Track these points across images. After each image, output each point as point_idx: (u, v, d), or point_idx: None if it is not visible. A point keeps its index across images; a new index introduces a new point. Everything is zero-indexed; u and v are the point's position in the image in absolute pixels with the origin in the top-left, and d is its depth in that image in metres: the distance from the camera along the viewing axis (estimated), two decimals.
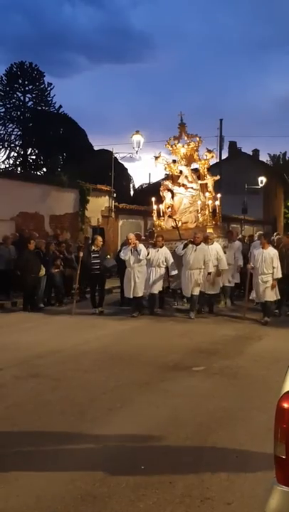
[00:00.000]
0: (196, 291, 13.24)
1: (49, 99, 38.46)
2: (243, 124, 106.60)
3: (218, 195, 16.64)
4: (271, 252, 12.42)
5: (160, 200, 16.56)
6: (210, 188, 16.43)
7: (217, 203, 16.33)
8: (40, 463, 4.70)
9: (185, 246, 13.26)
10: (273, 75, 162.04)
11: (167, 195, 16.50)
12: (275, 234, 20.43)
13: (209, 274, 13.48)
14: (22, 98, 38.06)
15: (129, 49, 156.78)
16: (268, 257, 12.31)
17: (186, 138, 16.63)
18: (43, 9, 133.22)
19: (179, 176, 16.67)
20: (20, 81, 37.78)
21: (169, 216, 16.18)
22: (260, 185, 41.97)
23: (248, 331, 11.32)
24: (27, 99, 38.20)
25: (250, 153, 51.95)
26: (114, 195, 26.04)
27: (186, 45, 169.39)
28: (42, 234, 18.95)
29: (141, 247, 13.32)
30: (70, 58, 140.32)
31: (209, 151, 16.62)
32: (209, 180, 16.55)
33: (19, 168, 37.20)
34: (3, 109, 37.45)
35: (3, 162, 37.47)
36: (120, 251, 14.26)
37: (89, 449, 5.01)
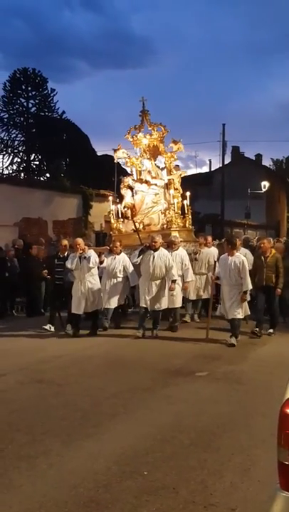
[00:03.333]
0: (159, 306, 11.27)
1: (52, 104, 38.64)
2: (245, 128, 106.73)
3: (188, 193, 14.46)
4: (238, 259, 10.40)
5: (121, 199, 14.79)
6: (176, 184, 14.34)
7: (186, 202, 14.30)
8: (43, 469, 4.69)
9: (141, 252, 11.23)
10: (276, 79, 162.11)
11: (127, 193, 14.39)
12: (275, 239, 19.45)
13: (174, 282, 11.26)
14: (25, 104, 38.26)
15: (130, 54, 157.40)
16: (233, 265, 10.33)
17: (149, 127, 14.55)
18: (43, 15, 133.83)
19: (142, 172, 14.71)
20: (23, 87, 37.96)
21: (125, 217, 14.22)
22: (263, 189, 42.09)
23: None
24: (30, 105, 38.37)
25: (253, 158, 52.08)
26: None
27: (188, 49, 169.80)
28: (45, 239, 18.99)
29: (90, 252, 11.42)
30: (71, 64, 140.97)
31: (175, 142, 14.28)
32: (175, 176, 14.40)
33: (22, 174, 37.37)
34: (7, 115, 37.66)
35: (6, 168, 37.67)
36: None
37: (92, 454, 4.99)
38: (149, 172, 14.35)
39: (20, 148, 38.26)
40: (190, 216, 14.33)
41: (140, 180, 14.40)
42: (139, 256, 11.21)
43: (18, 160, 38.35)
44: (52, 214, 21.62)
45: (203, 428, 5.67)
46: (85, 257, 11.19)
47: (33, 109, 38.55)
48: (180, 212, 13.98)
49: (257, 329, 11.03)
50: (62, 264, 11.74)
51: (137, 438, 5.41)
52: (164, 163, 14.60)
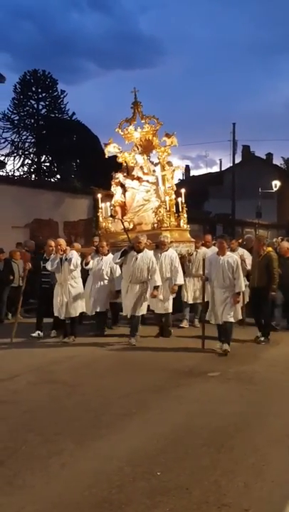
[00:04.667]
0: (139, 311, 10.52)
1: (62, 106, 38.72)
2: (256, 127, 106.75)
3: (182, 190, 13.38)
4: (231, 258, 9.66)
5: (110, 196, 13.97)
6: (170, 180, 13.33)
7: (180, 199, 13.18)
8: (56, 469, 4.69)
9: (124, 253, 10.51)
10: (286, 78, 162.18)
11: (117, 190, 13.54)
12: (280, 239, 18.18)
13: (156, 288, 10.57)
14: (36, 106, 38.34)
15: (139, 54, 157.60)
16: (227, 265, 9.53)
17: (141, 120, 13.56)
18: (51, 16, 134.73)
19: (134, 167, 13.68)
20: (33, 89, 38.08)
21: (111, 216, 13.45)
22: (274, 189, 41.95)
23: None
24: (40, 107, 38.48)
25: (264, 157, 51.95)
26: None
27: (196, 49, 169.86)
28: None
29: (72, 254, 10.80)
30: (80, 65, 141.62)
31: (168, 136, 13.17)
32: (168, 172, 13.33)
33: (33, 176, 37.44)
34: (17, 117, 37.77)
35: (17, 169, 37.74)
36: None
37: (105, 455, 4.99)
38: (141, 168, 13.39)
39: (30, 150, 38.36)
40: (185, 215, 13.15)
41: (132, 177, 13.46)
42: (121, 257, 10.50)
43: (29, 161, 38.46)
44: (63, 215, 21.64)
45: (216, 428, 5.65)
46: (66, 259, 10.65)
47: (43, 110, 38.64)
48: (174, 210, 13.03)
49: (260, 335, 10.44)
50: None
51: (150, 438, 5.40)
52: (158, 158, 13.56)
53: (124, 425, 5.84)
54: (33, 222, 20.08)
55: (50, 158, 38.80)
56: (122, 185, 13.51)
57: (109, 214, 13.52)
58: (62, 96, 38.71)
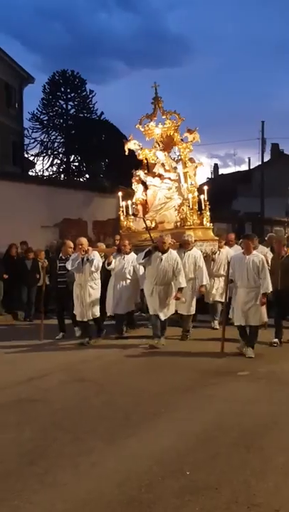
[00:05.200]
0: (164, 314, 10.23)
1: (91, 106, 38.89)
2: (285, 125, 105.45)
3: (205, 187, 13.06)
4: (257, 258, 9.29)
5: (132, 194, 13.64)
6: (192, 177, 12.99)
7: (203, 196, 12.74)
8: (86, 467, 4.73)
9: (147, 254, 10.11)
10: None
11: (138, 188, 13.26)
12: None
13: (180, 290, 10.22)
14: (64, 106, 38.60)
15: (167, 53, 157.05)
16: (252, 265, 9.17)
17: (162, 115, 13.31)
18: (79, 16, 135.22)
19: (155, 165, 13.39)
20: (62, 89, 38.31)
21: (133, 215, 13.22)
22: None
23: None
24: (69, 107, 38.71)
25: None
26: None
27: (224, 47, 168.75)
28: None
29: (94, 255, 10.46)
30: (108, 64, 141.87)
31: (190, 131, 12.89)
32: (190, 168, 12.96)
33: (62, 175, 37.71)
34: (47, 117, 38.09)
35: (46, 169, 38.09)
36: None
37: (134, 453, 5.01)
38: (163, 165, 13.08)
39: (59, 150, 38.68)
40: (208, 213, 12.81)
41: (153, 174, 13.16)
42: (145, 257, 10.11)
43: (58, 161, 38.79)
44: (92, 214, 21.76)
45: (246, 428, 5.63)
46: (88, 259, 10.32)
47: (72, 110, 38.88)
48: (197, 208, 12.75)
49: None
50: (65, 267, 10.95)
51: (179, 437, 5.41)
52: (179, 154, 13.35)
53: (154, 424, 5.86)
54: (62, 221, 20.24)
55: (79, 158, 39.01)
56: (143, 183, 13.25)
57: (130, 212, 13.28)
58: (90, 96, 38.93)
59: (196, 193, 12.81)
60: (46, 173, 37.73)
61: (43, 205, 19.22)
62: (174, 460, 4.83)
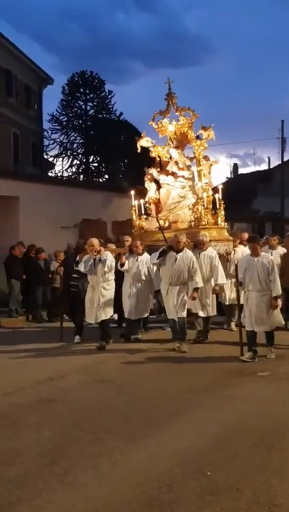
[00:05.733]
0: (182, 314, 9.94)
1: (110, 106, 38.94)
2: None
3: (220, 186, 12.67)
4: (266, 259, 9.07)
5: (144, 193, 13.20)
6: (206, 176, 12.51)
7: (218, 195, 12.30)
8: (107, 467, 4.73)
9: (162, 254, 9.91)
10: None
11: (151, 186, 12.86)
12: None
13: (196, 290, 10.03)
14: (84, 107, 38.67)
15: (186, 53, 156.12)
16: (261, 266, 8.93)
17: (176, 112, 12.88)
18: (97, 17, 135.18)
19: (168, 162, 13.00)
20: (81, 90, 38.42)
21: (147, 214, 12.82)
22: None
23: None
24: (88, 108, 38.79)
25: None
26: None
27: (244, 47, 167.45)
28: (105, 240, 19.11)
29: (107, 255, 10.21)
30: (127, 65, 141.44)
31: (205, 128, 12.41)
32: (205, 166, 12.53)
33: (82, 176, 37.82)
34: (66, 118, 38.19)
35: (66, 170, 38.22)
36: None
37: (154, 454, 5.00)
38: (176, 162, 12.66)
39: (79, 151, 38.76)
40: (222, 212, 12.35)
41: (166, 172, 12.73)
42: (159, 257, 9.89)
43: (78, 162, 38.86)
44: (111, 215, 21.81)
45: (267, 428, 5.60)
46: (100, 260, 10.08)
47: (91, 111, 38.93)
48: (211, 207, 12.23)
49: None
50: (78, 270, 10.64)
51: (199, 438, 5.39)
52: (193, 152, 12.86)
53: (174, 425, 5.85)
54: (81, 222, 20.30)
55: (98, 159, 39.08)
56: (156, 181, 12.85)
57: (143, 212, 12.90)
58: (109, 96, 38.95)
59: (210, 192, 12.35)
60: (66, 174, 37.89)
61: (63, 205, 19.32)
62: (194, 460, 4.82)
